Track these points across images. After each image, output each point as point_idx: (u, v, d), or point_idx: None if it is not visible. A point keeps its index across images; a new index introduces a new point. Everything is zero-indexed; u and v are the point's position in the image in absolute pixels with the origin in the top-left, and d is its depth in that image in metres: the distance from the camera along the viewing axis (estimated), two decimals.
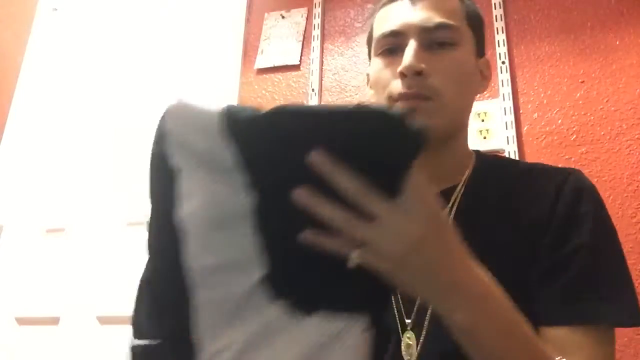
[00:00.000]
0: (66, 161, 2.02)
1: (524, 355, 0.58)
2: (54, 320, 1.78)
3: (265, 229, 0.47)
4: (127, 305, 1.72)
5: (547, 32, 1.56)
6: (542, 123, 1.46)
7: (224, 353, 0.47)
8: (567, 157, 1.40)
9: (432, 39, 0.81)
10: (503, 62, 1.55)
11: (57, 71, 2.19)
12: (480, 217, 0.82)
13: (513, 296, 0.60)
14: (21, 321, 1.83)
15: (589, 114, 1.43)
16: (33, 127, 2.13)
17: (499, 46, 1.58)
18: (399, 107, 0.80)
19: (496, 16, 1.62)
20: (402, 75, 0.79)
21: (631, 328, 0.86)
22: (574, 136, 1.42)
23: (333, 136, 0.45)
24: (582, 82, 1.47)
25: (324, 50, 1.81)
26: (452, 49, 0.82)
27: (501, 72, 1.54)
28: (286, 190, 0.46)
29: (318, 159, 0.46)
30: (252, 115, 0.46)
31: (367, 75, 0.95)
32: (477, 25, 0.88)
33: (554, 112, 1.46)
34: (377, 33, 0.87)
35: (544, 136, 1.45)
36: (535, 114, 1.48)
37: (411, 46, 0.80)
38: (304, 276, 0.48)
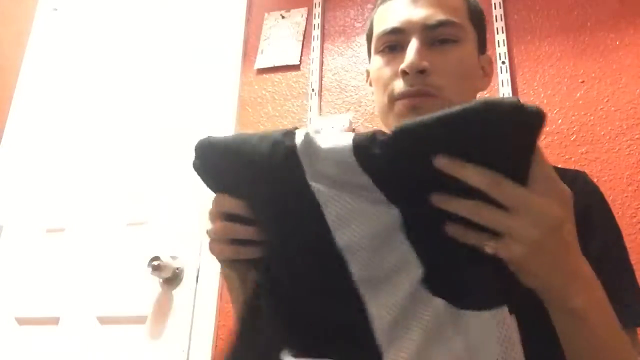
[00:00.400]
0: (66, 161, 2.02)
1: (622, 346, 0.58)
2: (54, 320, 1.78)
3: (414, 235, 0.51)
4: (127, 305, 1.74)
5: (547, 32, 1.56)
6: None
7: (404, 351, 0.51)
8: (567, 157, 1.40)
9: (434, 36, 0.80)
10: (503, 62, 1.55)
11: (57, 71, 2.19)
12: None
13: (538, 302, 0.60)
14: (21, 321, 1.83)
15: (589, 114, 1.43)
16: (33, 127, 2.13)
17: (499, 46, 1.58)
18: (400, 105, 0.79)
19: (496, 16, 1.62)
20: (404, 73, 0.78)
21: None
22: (574, 136, 1.42)
23: (454, 137, 0.47)
24: (582, 82, 1.47)
25: (324, 50, 1.81)
26: (454, 46, 0.81)
27: (501, 72, 1.54)
28: (423, 198, 0.49)
29: (444, 162, 0.48)
30: (381, 148, 0.49)
31: (367, 72, 0.94)
32: (479, 21, 0.87)
33: (554, 112, 1.46)
34: (377, 30, 0.85)
35: (544, 136, 1.44)
36: None
37: (413, 44, 0.79)
38: (453, 275, 0.51)
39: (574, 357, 0.56)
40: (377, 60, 0.85)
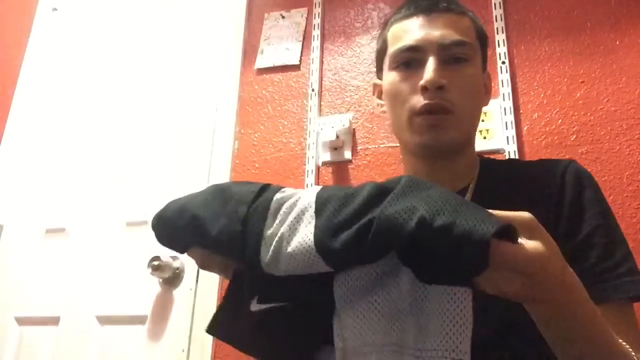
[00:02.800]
0: (66, 161, 2.02)
1: (609, 341, 0.60)
2: (54, 320, 1.78)
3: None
4: (127, 305, 1.74)
5: (547, 32, 1.56)
6: (542, 123, 1.46)
7: (357, 312, 0.57)
8: (567, 157, 1.39)
9: (449, 55, 0.86)
10: (503, 62, 1.55)
11: (57, 71, 2.19)
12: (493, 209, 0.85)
13: None
14: (21, 321, 1.83)
15: (589, 114, 1.43)
16: (33, 127, 2.13)
17: (499, 46, 1.58)
18: (420, 121, 0.85)
19: (496, 16, 1.62)
20: (424, 89, 0.85)
21: None
22: (574, 136, 1.42)
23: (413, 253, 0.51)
24: (582, 82, 1.47)
25: (324, 50, 1.81)
26: (466, 65, 0.87)
27: (501, 72, 1.54)
28: None
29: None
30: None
31: (375, 85, 1.00)
32: (483, 41, 0.95)
33: (554, 112, 1.46)
34: (393, 47, 0.91)
35: (544, 136, 1.44)
36: (535, 114, 1.48)
37: (432, 62, 0.85)
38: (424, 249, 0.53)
39: (551, 342, 0.59)
40: (393, 76, 0.90)
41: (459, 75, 0.87)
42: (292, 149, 1.71)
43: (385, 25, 0.97)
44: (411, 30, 0.89)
